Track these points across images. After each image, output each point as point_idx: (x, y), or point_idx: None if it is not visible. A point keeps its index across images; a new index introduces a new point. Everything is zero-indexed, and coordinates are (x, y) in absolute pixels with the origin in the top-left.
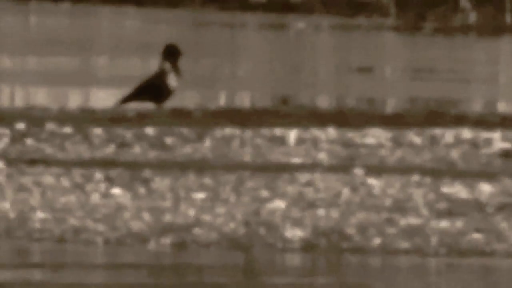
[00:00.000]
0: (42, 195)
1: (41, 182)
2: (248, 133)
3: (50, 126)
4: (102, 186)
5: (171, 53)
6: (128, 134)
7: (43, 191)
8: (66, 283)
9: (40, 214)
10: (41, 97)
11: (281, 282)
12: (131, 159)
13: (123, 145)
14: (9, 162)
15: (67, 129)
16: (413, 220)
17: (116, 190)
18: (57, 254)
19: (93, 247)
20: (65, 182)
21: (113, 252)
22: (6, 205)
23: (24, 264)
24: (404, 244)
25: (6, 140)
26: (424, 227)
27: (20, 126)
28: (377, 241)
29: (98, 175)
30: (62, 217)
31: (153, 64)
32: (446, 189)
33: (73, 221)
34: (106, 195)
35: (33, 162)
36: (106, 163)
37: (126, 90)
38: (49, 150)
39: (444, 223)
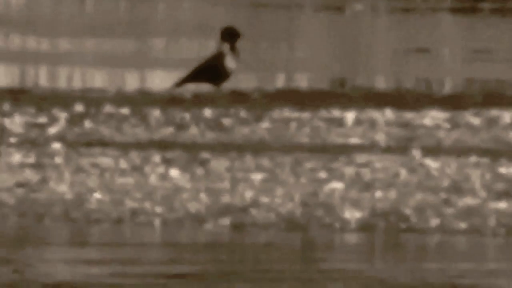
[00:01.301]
0: (100, 177)
1: (99, 164)
2: (306, 115)
3: (107, 108)
4: (160, 168)
5: (230, 35)
6: (185, 115)
7: (100, 173)
8: (124, 258)
9: (97, 196)
10: (99, 79)
11: (338, 266)
12: (188, 141)
13: (180, 126)
14: (67, 144)
15: (125, 111)
16: (470, 201)
17: (174, 172)
18: (115, 235)
19: (151, 228)
20: (123, 164)
21: (170, 233)
22: (64, 187)
23: (82, 242)
24: (462, 225)
25: (64, 122)
26: (482, 208)
27: (78, 108)
28: (435, 222)
29: (156, 156)
30: (120, 198)
31: (211, 46)
32: (503, 170)
33: (130, 203)
34: (163, 176)
35: (90, 144)
36: (163, 145)
37: (183, 72)
38: (106, 132)
39: (501, 204)
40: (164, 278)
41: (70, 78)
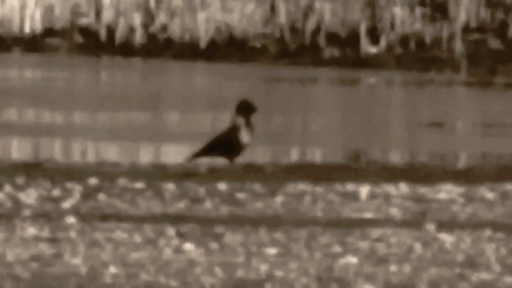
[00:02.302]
0: (114, 250)
1: (113, 238)
2: (320, 189)
3: (122, 181)
4: (174, 242)
5: (245, 108)
6: (200, 189)
7: (115, 247)
8: None
9: (112, 269)
10: (113, 152)
11: None
12: (203, 215)
13: (195, 200)
14: (81, 217)
15: (139, 185)
16: (485, 276)
17: (188, 246)
18: None
19: None
20: (137, 238)
21: None
22: (78, 260)
23: None
24: None
25: (78, 195)
26: (496, 283)
27: (92, 181)
28: None
29: (170, 230)
30: (134, 272)
31: (225, 120)
32: None
33: (145, 277)
34: (178, 250)
35: (105, 217)
36: (178, 219)
37: (197, 146)
38: (121, 205)
39: None
40: None
41: (84, 152)
